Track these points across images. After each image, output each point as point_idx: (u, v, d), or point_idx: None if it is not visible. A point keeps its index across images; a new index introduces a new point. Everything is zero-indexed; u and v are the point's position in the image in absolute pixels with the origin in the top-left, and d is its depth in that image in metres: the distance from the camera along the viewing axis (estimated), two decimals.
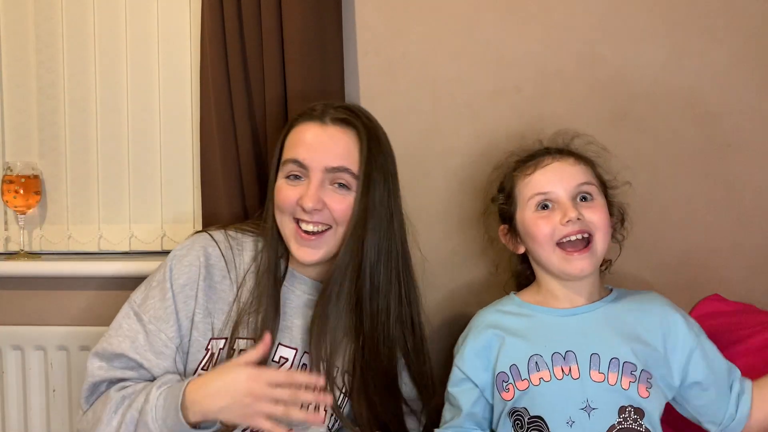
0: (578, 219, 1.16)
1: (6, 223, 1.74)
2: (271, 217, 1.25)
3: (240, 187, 1.52)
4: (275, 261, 1.24)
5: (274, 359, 1.21)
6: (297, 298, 1.25)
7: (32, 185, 1.66)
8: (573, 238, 1.17)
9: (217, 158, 1.52)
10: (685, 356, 1.17)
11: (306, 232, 1.20)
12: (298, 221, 1.20)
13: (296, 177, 1.21)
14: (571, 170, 1.21)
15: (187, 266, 1.22)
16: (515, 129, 1.56)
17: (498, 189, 1.33)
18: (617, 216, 1.28)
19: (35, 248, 1.72)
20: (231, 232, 1.28)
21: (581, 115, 1.55)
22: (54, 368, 1.63)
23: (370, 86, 1.59)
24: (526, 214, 1.22)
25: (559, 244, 1.18)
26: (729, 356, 1.24)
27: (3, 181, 1.65)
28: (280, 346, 1.21)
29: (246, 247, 1.27)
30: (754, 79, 1.53)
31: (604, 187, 1.26)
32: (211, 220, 1.53)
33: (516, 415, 1.16)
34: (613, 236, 1.25)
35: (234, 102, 1.51)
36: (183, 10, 1.66)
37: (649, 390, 1.13)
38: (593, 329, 1.18)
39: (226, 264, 1.24)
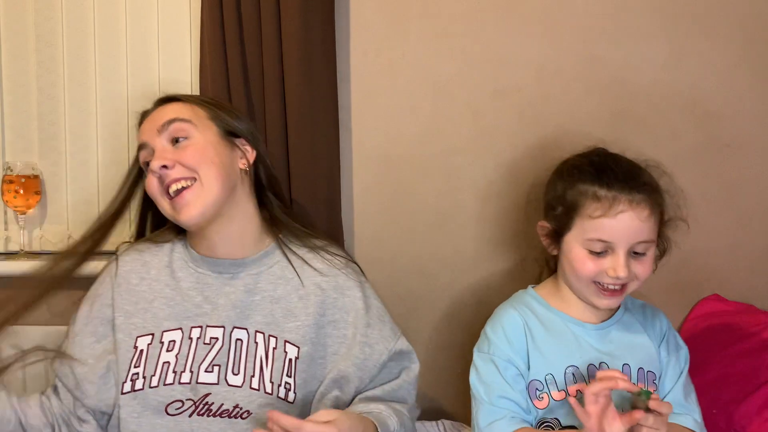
0: (624, 276, 1.13)
1: (6, 223, 1.74)
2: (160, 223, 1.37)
3: None
4: (185, 250, 1.31)
5: (206, 341, 1.22)
6: (214, 280, 1.27)
7: (32, 185, 1.66)
8: (612, 287, 1.16)
9: None
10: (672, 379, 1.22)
11: (176, 194, 1.22)
12: (170, 194, 1.23)
13: (147, 163, 1.26)
14: (640, 226, 1.12)
15: (100, 280, 1.33)
16: (515, 129, 1.57)
17: (558, 195, 1.21)
18: (660, 250, 1.23)
19: (35, 248, 1.72)
20: (149, 242, 1.36)
21: (581, 115, 1.55)
22: (54, 368, 1.63)
23: (371, 86, 1.59)
24: (577, 248, 1.17)
25: (596, 282, 1.17)
26: (729, 356, 1.25)
27: (3, 181, 1.65)
28: (207, 327, 1.24)
29: (162, 248, 1.33)
30: (754, 79, 1.53)
31: (661, 224, 1.20)
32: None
33: (545, 425, 1.17)
34: None
35: (234, 102, 1.51)
36: (183, 11, 1.66)
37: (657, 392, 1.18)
38: (620, 340, 1.21)
39: (142, 266, 1.30)
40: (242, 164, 1.29)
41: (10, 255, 1.70)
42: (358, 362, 1.23)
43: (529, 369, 1.18)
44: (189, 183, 1.22)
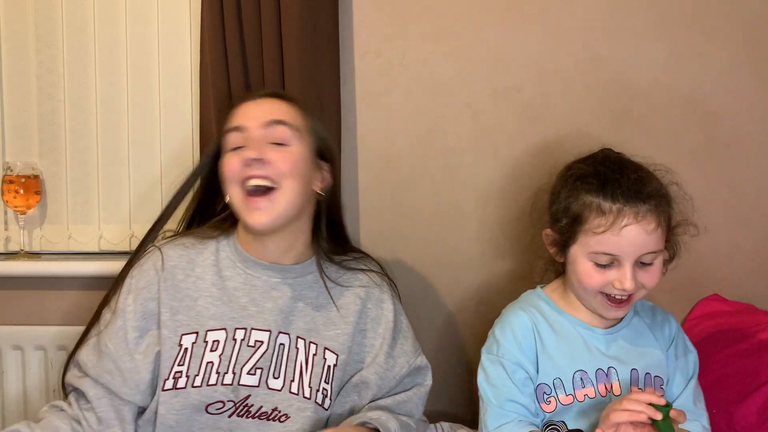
0: (631, 287, 1.12)
1: (6, 223, 1.74)
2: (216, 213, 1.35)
3: None
4: (234, 250, 1.29)
5: (250, 344, 1.22)
6: (263, 283, 1.27)
7: (32, 185, 1.66)
8: (618, 297, 1.15)
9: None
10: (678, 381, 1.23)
11: (254, 191, 1.20)
12: (245, 187, 1.21)
13: (239, 147, 1.22)
14: (646, 239, 1.10)
15: (145, 271, 1.28)
16: (515, 129, 1.57)
17: (562, 208, 1.18)
18: (670, 255, 1.21)
19: (35, 248, 1.72)
20: (193, 236, 1.33)
21: (581, 115, 1.55)
22: (54, 368, 1.63)
23: (371, 86, 1.59)
24: (582, 260, 1.15)
25: (603, 293, 1.16)
26: (729, 356, 1.24)
27: (3, 181, 1.65)
28: (253, 330, 1.23)
29: (207, 245, 1.30)
30: (754, 79, 1.53)
31: (669, 231, 1.17)
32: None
33: (551, 428, 1.17)
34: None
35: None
36: (183, 11, 1.66)
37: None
38: (628, 344, 1.20)
39: (187, 263, 1.28)
40: (317, 187, 1.29)
41: (10, 255, 1.70)
42: (380, 372, 1.25)
43: (537, 372, 1.18)
44: (269, 184, 1.20)
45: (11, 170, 1.64)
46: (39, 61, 1.70)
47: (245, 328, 1.23)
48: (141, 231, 1.69)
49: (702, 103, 1.54)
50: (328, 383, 1.23)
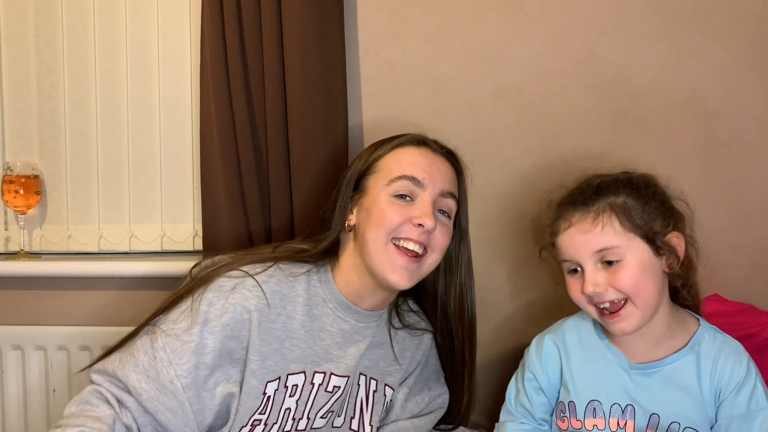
0: (598, 290, 1.08)
1: (6, 223, 1.74)
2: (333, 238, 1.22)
3: (240, 186, 1.52)
4: (328, 288, 1.21)
5: (327, 389, 1.19)
6: (350, 327, 1.22)
7: (32, 185, 1.66)
8: (602, 306, 1.10)
9: (217, 158, 1.51)
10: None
11: (407, 250, 1.15)
12: (394, 241, 1.16)
13: (406, 196, 1.17)
14: (583, 238, 1.09)
15: (231, 305, 1.13)
16: (515, 129, 1.56)
17: (550, 235, 1.18)
18: (669, 257, 1.13)
19: (35, 248, 1.72)
20: (282, 265, 1.20)
21: (581, 115, 1.55)
22: (54, 368, 1.63)
23: (371, 86, 1.58)
24: (565, 275, 1.15)
25: (594, 305, 1.12)
26: None
27: (3, 181, 1.65)
28: (332, 375, 1.19)
29: (299, 279, 1.20)
30: (754, 79, 1.53)
31: (649, 232, 1.11)
32: (211, 220, 1.53)
33: None
34: (674, 279, 1.14)
35: (234, 102, 1.51)
36: (183, 11, 1.66)
37: None
38: (660, 387, 1.12)
39: (280, 300, 1.17)
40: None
41: (10, 255, 1.70)
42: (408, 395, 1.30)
43: (560, 389, 1.19)
44: (422, 252, 1.17)
45: (11, 170, 1.65)
46: (39, 61, 1.70)
47: (324, 373, 1.18)
48: (141, 231, 1.70)
49: (702, 103, 1.54)
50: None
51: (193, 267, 1.24)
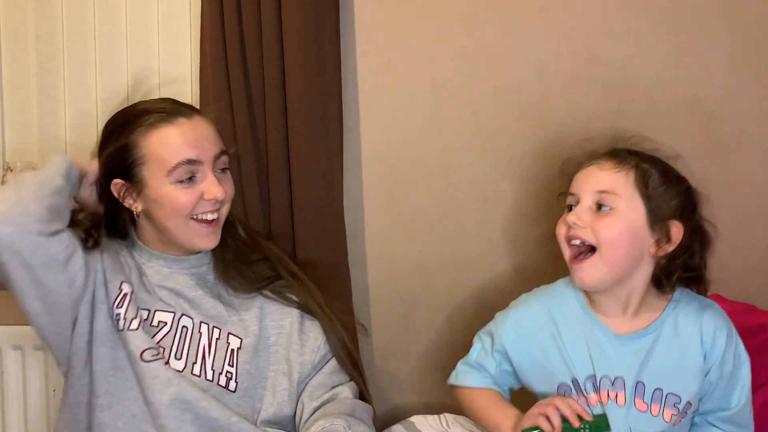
0: (578, 225, 1.11)
1: None
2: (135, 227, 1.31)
3: (240, 187, 1.52)
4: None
5: (153, 323, 1.24)
6: (168, 269, 1.30)
7: None
8: (574, 242, 1.13)
9: None
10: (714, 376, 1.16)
11: (209, 221, 1.25)
12: (194, 217, 1.24)
13: (190, 178, 1.23)
14: (597, 174, 1.14)
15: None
16: (515, 129, 1.56)
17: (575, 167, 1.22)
18: (660, 239, 1.14)
19: None
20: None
21: (581, 114, 1.55)
22: (54, 368, 1.63)
23: (370, 86, 1.59)
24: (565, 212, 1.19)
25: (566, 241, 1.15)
26: None
27: (3, 181, 1.65)
28: (156, 312, 1.25)
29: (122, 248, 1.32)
30: (754, 79, 1.53)
31: (655, 205, 1.12)
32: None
33: None
34: (657, 267, 1.15)
35: (234, 102, 1.51)
36: (183, 11, 1.66)
37: (683, 420, 1.14)
38: (643, 356, 1.14)
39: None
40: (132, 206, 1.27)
41: None
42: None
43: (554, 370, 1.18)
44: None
45: (11, 170, 1.64)
46: (39, 61, 1.70)
47: (148, 310, 1.25)
48: None
49: (702, 103, 1.54)
50: (232, 366, 1.25)
51: None
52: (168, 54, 1.67)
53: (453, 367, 1.57)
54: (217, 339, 1.26)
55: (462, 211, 1.59)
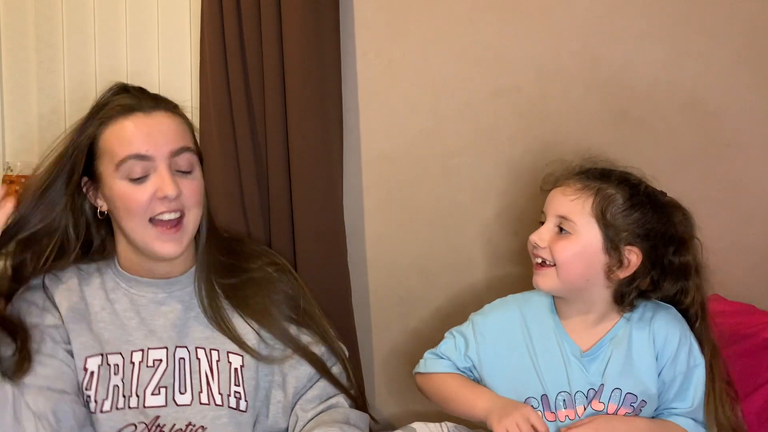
0: (539, 246, 1.18)
1: None
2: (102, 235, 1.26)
3: (240, 187, 1.52)
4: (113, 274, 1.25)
5: (149, 365, 1.20)
6: (149, 301, 1.23)
7: None
8: (536, 259, 1.19)
9: (217, 159, 1.52)
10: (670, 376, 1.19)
11: (165, 221, 1.16)
12: (152, 220, 1.17)
13: (142, 176, 1.15)
14: (559, 199, 1.18)
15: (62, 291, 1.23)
16: (515, 129, 1.57)
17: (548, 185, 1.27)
18: (615, 263, 1.15)
19: None
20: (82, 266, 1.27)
21: (581, 115, 1.55)
22: None
23: (370, 86, 1.59)
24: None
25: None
26: (728, 356, 1.24)
27: (3, 181, 1.64)
28: (149, 350, 1.20)
29: (92, 276, 1.26)
30: (754, 79, 1.53)
31: (611, 231, 1.14)
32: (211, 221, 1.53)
33: None
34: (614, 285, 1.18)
35: (234, 103, 1.51)
36: (183, 11, 1.66)
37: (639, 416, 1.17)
38: (607, 364, 1.18)
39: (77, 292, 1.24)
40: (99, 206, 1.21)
41: None
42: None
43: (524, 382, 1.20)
44: (179, 215, 1.18)
45: (11, 170, 1.64)
46: (39, 60, 1.70)
47: (142, 350, 1.20)
48: None
49: (702, 103, 1.54)
50: (239, 386, 1.21)
51: None
52: (168, 54, 1.67)
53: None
54: (218, 361, 1.21)
55: (462, 211, 1.59)
